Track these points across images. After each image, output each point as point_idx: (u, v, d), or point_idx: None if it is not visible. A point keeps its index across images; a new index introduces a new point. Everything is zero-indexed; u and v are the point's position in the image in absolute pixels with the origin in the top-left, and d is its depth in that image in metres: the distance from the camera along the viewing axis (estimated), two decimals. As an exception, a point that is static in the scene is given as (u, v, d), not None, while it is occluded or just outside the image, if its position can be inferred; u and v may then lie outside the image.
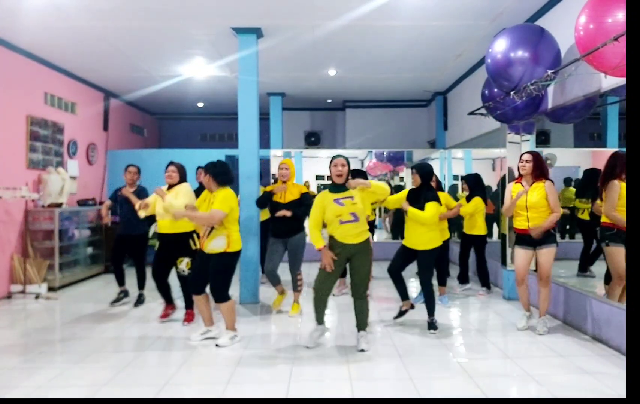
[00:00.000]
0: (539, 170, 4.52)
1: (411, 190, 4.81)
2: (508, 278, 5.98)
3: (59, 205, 7.19)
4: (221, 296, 4.22)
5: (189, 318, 5.01)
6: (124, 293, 5.95)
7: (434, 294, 4.72)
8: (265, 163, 9.43)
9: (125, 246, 5.83)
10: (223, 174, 4.28)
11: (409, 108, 10.95)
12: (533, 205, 4.46)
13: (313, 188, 10.70)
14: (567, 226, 8.09)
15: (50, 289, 6.69)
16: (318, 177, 11.46)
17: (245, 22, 5.88)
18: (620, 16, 3.18)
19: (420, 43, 6.73)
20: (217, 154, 9.43)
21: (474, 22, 5.95)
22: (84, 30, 6.13)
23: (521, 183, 4.63)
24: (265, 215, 6.05)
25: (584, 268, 6.27)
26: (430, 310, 4.69)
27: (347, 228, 4.04)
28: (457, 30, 6.22)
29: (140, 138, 11.34)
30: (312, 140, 11.22)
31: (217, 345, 4.25)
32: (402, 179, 11.05)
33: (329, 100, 10.78)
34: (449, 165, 9.69)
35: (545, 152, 7.23)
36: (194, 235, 4.86)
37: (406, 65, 7.82)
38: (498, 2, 5.35)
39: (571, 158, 8.06)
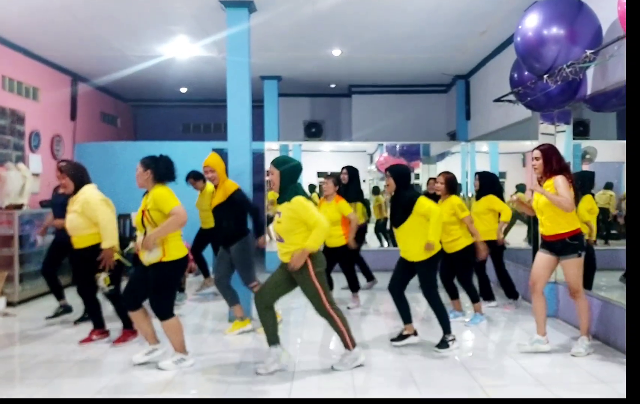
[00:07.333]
0: (549, 165, 4.50)
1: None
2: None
3: (19, 207, 7.20)
4: (162, 313, 4.19)
5: (123, 337, 4.96)
6: (65, 308, 6.00)
7: (444, 309, 4.77)
8: (258, 158, 9.43)
9: (62, 254, 5.75)
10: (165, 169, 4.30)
11: (426, 94, 10.97)
12: (541, 208, 4.48)
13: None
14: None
15: (9, 304, 6.70)
16: (320, 174, 11.45)
17: (235, -6, 5.90)
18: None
19: (438, 18, 6.73)
20: (203, 147, 9.44)
21: (500, -6, 5.97)
22: (48, 4, 6.15)
23: (539, 181, 4.61)
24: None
25: None
26: (445, 327, 4.75)
27: (278, 246, 4.21)
28: (481, 2, 6.22)
29: (113, 129, 11.38)
30: (313, 131, 11.23)
31: (158, 367, 4.19)
32: (417, 176, 11.05)
33: (333, 85, 10.80)
34: (472, 160, 9.69)
35: (583, 145, 7.22)
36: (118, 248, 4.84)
37: (422, 44, 7.83)
38: (529, -30, 5.36)
39: (613, 153, 8.03)
